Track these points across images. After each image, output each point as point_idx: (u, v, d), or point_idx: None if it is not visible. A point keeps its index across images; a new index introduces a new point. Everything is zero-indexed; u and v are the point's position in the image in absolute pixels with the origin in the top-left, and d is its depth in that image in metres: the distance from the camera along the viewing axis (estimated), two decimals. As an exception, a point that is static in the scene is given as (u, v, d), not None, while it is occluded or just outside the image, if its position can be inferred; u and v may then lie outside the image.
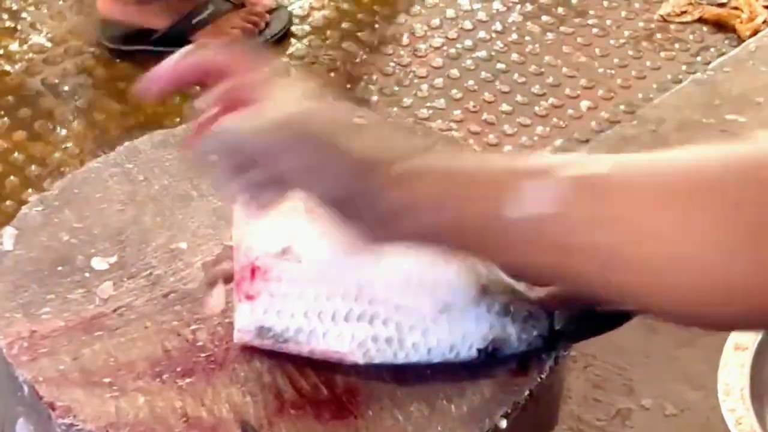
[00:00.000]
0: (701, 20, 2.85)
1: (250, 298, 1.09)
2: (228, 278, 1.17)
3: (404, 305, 1.09)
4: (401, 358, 1.10)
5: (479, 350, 1.10)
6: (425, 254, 1.09)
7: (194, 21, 2.67)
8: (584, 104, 2.60)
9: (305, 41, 2.73)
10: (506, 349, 1.10)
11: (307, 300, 1.09)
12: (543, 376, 1.13)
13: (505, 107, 2.59)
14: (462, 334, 1.09)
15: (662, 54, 2.75)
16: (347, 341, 1.09)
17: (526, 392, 1.12)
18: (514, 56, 2.73)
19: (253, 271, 1.09)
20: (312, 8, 2.83)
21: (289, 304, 1.09)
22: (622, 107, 2.59)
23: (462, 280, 1.09)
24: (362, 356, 1.09)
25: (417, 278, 1.09)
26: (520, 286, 1.09)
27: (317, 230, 1.10)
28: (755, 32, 2.69)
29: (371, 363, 1.09)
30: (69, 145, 2.44)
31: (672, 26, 2.84)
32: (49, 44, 2.69)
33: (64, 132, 2.47)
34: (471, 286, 1.08)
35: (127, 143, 1.34)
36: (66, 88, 2.58)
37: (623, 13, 2.86)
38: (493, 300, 1.08)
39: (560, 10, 2.86)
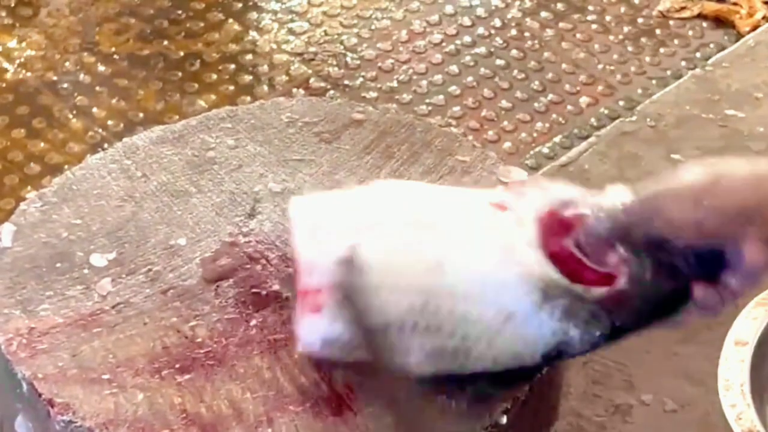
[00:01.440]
0: (700, 16, 2.84)
1: (314, 310, 1.07)
2: (227, 274, 1.17)
3: (468, 316, 1.07)
4: (468, 369, 1.08)
5: (543, 356, 1.08)
6: (488, 262, 1.07)
7: None
8: (584, 100, 2.59)
9: (304, 37, 2.72)
10: (570, 352, 1.08)
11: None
12: (543, 371, 1.13)
13: (504, 103, 2.58)
14: (525, 341, 1.07)
15: (662, 50, 2.74)
16: (416, 352, 1.08)
17: (526, 388, 1.12)
18: (514, 52, 2.72)
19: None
20: (311, 4, 2.83)
21: None
22: (621, 103, 2.58)
23: (524, 286, 1.07)
24: (429, 367, 1.07)
25: (480, 286, 1.07)
26: (578, 288, 1.06)
27: (379, 237, 1.08)
28: (754, 28, 2.68)
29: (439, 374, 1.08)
30: (68, 142, 2.44)
31: (671, 22, 2.83)
32: (47, 41, 2.69)
33: (63, 130, 2.46)
34: (532, 292, 1.06)
35: (125, 139, 1.34)
36: (64, 85, 2.57)
37: (623, 9, 2.86)
38: (554, 305, 1.06)
39: (559, 6, 2.85)
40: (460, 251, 1.08)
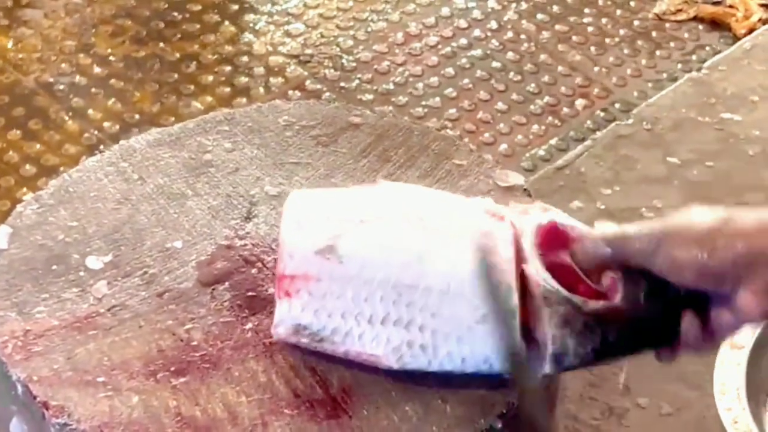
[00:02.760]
0: (696, 18, 2.84)
1: (288, 295, 1.09)
2: (222, 277, 1.17)
3: (441, 313, 1.07)
4: (435, 366, 1.09)
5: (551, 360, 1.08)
6: (467, 263, 1.08)
7: None
8: (580, 103, 2.59)
9: (300, 39, 2.72)
10: (565, 363, 1.08)
11: (345, 300, 1.08)
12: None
13: (500, 106, 2.58)
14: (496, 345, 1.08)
15: (658, 52, 2.74)
16: (383, 345, 1.08)
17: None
18: (510, 55, 2.72)
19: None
20: (307, 6, 2.83)
21: (327, 304, 1.08)
22: (617, 106, 2.58)
23: (504, 290, 1.07)
24: (396, 361, 1.08)
25: (457, 286, 1.07)
26: (576, 298, 1.07)
27: (363, 230, 1.09)
28: (750, 30, 2.69)
29: (404, 369, 1.09)
30: (64, 144, 2.43)
31: (667, 24, 2.84)
32: (43, 43, 2.68)
33: (58, 131, 2.46)
34: (511, 297, 1.06)
35: (121, 142, 1.34)
36: (60, 87, 2.57)
37: (619, 12, 2.86)
38: (552, 312, 1.06)
39: (556, 8, 2.86)
40: (444, 249, 1.08)
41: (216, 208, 1.25)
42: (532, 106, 2.60)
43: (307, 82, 2.62)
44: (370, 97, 2.60)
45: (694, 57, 2.73)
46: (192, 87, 2.60)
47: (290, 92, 2.58)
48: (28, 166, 2.41)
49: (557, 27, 2.83)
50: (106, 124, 2.51)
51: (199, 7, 2.82)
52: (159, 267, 1.19)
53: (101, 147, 2.40)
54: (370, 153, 1.32)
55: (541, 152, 2.45)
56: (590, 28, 2.83)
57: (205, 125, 1.35)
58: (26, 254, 1.20)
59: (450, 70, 2.69)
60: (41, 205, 1.25)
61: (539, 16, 2.85)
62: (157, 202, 1.26)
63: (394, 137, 1.34)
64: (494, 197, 1.25)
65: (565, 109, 2.59)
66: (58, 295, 1.16)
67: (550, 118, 2.57)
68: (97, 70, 2.64)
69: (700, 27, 2.83)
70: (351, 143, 1.33)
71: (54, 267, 1.19)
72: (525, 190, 1.29)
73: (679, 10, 2.88)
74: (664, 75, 2.68)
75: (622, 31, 2.82)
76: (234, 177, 1.29)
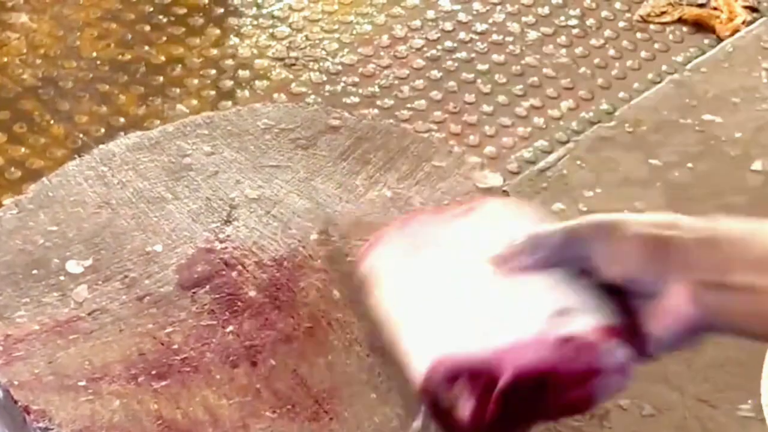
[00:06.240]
0: (681, 20, 2.85)
1: None
2: (203, 281, 1.17)
3: None
4: None
5: None
6: None
7: None
8: (565, 105, 2.60)
9: (285, 42, 2.73)
10: None
11: None
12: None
13: (485, 108, 2.59)
14: None
15: (642, 54, 2.75)
16: None
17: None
18: (495, 57, 2.72)
19: None
20: (291, 9, 2.83)
21: None
22: (602, 107, 2.59)
23: None
24: None
25: None
26: None
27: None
28: (734, 33, 2.70)
29: None
30: (49, 148, 2.43)
31: (652, 26, 2.84)
32: (28, 46, 2.68)
33: (44, 135, 2.46)
34: None
35: (101, 146, 1.34)
36: (46, 90, 2.57)
37: (604, 14, 2.87)
38: None
39: (541, 10, 2.86)
40: None
41: (196, 211, 1.26)
42: (517, 108, 2.60)
43: (292, 86, 2.62)
44: (355, 100, 2.60)
45: (679, 58, 2.73)
46: (177, 90, 2.60)
47: (275, 95, 2.58)
48: (12, 170, 2.41)
49: (543, 29, 2.83)
50: (91, 128, 2.51)
51: (184, 11, 2.82)
52: (139, 271, 1.19)
53: (90, 151, 2.40)
54: (350, 155, 1.33)
55: (527, 154, 2.45)
56: (575, 30, 2.83)
57: (185, 129, 1.35)
58: (6, 259, 1.20)
59: (435, 73, 2.69)
60: (21, 210, 1.25)
61: (524, 18, 2.86)
62: (137, 206, 1.26)
63: (374, 139, 1.35)
64: (474, 198, 1.26)
65: (550, 111, 2.59)
66: (38, 300, 1.16)
67: (535, 119, 2.57)
68: (82, 73, 2.64)
69: (684, 29, 2.84)
70: (330, 146, 1.34)
71: (34, 271, 1.19)
72: (504, 191, 1.29)
73: (664, 13, 2.89)
74: (649, 76, 2.68)
75: (607, 33, 2.83)
76: (214, 180, 1.29)
